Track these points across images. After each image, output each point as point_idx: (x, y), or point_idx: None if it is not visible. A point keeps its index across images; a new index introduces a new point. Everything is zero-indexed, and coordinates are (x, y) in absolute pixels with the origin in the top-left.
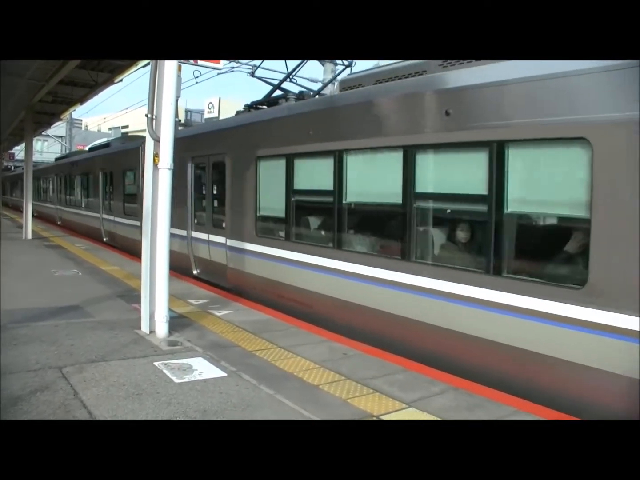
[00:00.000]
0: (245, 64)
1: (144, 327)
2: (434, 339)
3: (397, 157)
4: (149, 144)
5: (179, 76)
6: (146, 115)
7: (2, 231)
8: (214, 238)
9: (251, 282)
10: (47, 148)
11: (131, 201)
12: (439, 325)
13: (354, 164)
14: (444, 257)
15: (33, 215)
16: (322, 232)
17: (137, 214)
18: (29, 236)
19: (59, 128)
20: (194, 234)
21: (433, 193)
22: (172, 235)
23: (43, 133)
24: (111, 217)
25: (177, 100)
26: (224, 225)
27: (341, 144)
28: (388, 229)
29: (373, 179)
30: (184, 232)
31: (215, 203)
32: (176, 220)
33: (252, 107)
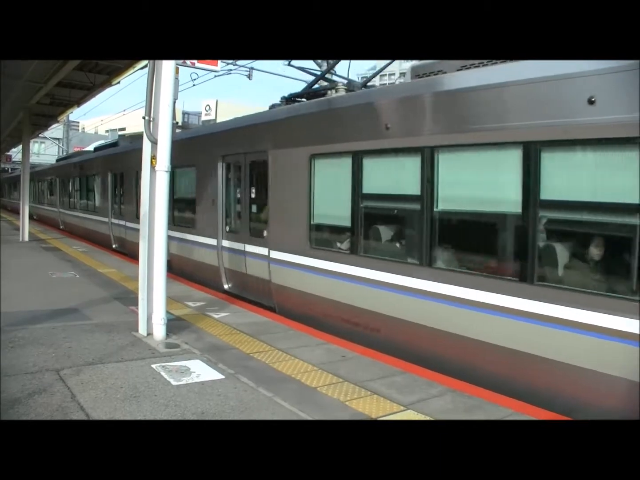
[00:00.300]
0: (243, 66)
1: (142, 330)
2: (577, 381)
3: (514, 156)
4: (147, 146)
5: (176, 78)
6: (144, 118)
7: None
8: (252, 248)
9: (303, 301)
10: (44, 150)
11: None
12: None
13: (451, 164)
14: (580, 280)
15: (33, 219)
16: (404, 246)
17: None
18: (26, 238)
19: (56, 130)
20: (225, 243)
21: (569, 201)
22: (197, 244)
23: (40, 135)
24: (122, 222)
25: (174, 103)
26: (265, 234)
27: (434, 139)
28: (500, 244)
29: (478, 181)
30: (212, 241)
31: (254, 208)
32: (202, 227)
33: (290, 99)
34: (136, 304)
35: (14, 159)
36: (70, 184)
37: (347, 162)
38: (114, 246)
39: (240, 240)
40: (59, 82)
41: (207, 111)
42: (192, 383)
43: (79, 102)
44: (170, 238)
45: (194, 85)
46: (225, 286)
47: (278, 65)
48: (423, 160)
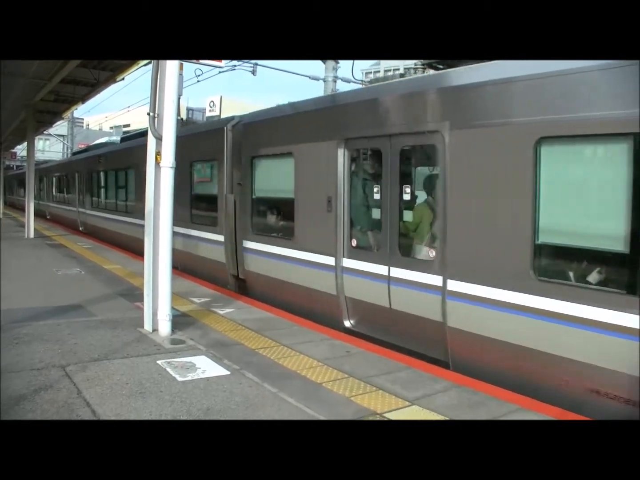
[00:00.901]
0: (247, 62)
1: (147, 326)
2: None
3: None
4: (151, 142)
5: (180, 74)
6: (148, 114)
7: (4, 230)
8: (405, 274)
9: (515, 359)
10: (48, 147)
11: (206, 207)
12: None
13: None
14: None
15: (47, 219)
16: None
17: (218, 224)
18: (31, 235)
19: (60, 127)
20: (350, 263)
21: None
22: (297, 262)
23: (45, 132)
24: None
25: (179, 99)
26: (432, 254)
27: None
28: None
29: None
30: (325, 259)
31: (407, 216)
32: (306, 239)
33: (430, 66)
34: (141, 300)
35: (19, 156)
36: (94, 179)
37: (620, 150)
38: None
39: (380, 261)
40: (63, 79)
41: (211, 107)
42: (198, 379)
43: (83, 98)
44: (248, 251)
45: (198, 81)
46: (347, 323)
47: (282, 61)
48: None
